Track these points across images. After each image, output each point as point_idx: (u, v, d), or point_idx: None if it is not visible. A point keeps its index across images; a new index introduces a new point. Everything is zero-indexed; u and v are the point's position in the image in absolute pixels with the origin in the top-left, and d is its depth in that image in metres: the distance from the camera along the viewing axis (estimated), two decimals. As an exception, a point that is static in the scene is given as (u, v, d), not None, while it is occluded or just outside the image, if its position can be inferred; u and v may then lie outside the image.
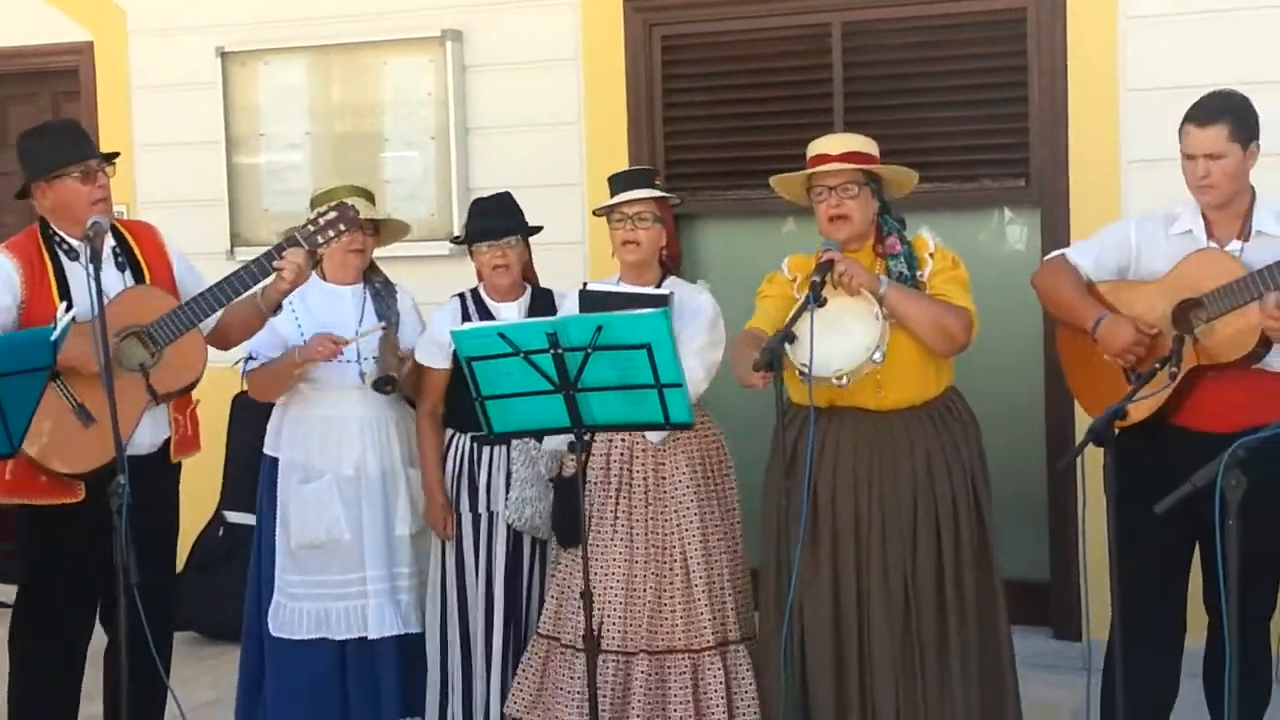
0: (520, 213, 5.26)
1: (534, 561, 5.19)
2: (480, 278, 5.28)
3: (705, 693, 4.80)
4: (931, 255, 4.63)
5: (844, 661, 4.56)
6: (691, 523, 4.84)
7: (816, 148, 4.65)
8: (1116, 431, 4.04)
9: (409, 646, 5.20)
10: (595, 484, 4.91)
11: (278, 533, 5.16)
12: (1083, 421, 4.87)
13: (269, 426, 5.25)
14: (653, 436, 4.84)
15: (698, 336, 4.87)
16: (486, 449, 5.15)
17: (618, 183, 5.01)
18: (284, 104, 7.30)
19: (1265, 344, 4.29)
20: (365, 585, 5.12)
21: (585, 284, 5.09)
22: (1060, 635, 6.14)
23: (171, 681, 4.53)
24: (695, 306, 4.94)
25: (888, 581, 4.52)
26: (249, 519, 5.37)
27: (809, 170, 4.63)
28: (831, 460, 4.55)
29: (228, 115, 7.33)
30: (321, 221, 4.76)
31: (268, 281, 4.75)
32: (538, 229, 5.32)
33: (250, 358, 5.14)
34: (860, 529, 4.55)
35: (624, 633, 4.82)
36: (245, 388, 5.28)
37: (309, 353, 4.97)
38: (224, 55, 7.30)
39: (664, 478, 4.87)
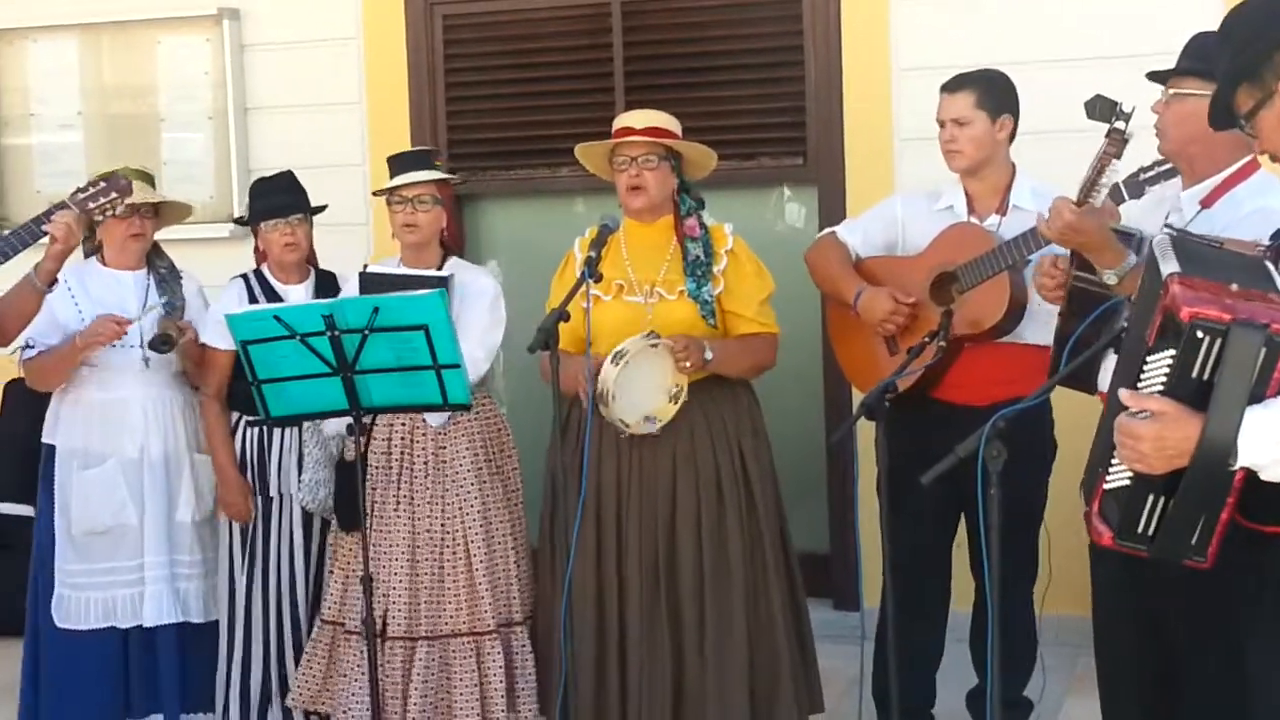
0: (304, 191, 5.20)
1: (324, 545, 5.13)
2: (262, 259, 5.20)
3: (487, 676, 4.80)
4: (729, 252, 4.69)
5: (604, 631, 4.60)
6: (472, 505, 4.83)
7: (622, 121, 4.73)
8: (887, 405, 4.17)
9: (193, 637, 5.10)
10: (377, 468, 4.87)
11: (57, 521, 5.01)
12: (859, 396, 4.98)
13: (48, 414, 5.10)
14: (433, 420, 4.82)
15: (478, 319, 4.87)
16: (277, 430, 5.07)
17: (396, 164, 4.96)
18: (54, 83, 7.11)
19: (1013, 315, 4.46)
20: (143, 572, 5.00)
21: (365, 266, 5.05)
22: (840, 606, 6.25)
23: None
24: (477, 289, 4.93)
25: (641, 551, 4.58)
26: (18, 509, 5.22)
27: (612, 141, 4.69)
28: (597, 432, 4.57)
29: (-6, 95, 7.14)
30: (91, 189, 4.66)
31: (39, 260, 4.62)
32: (323, 208, 5.28)
33: (28, 346, 4.97)
34: (620, 500, 4.61)
35: (409, 618, 4.80)
36: (22, 375, 5.11)
37: (92, 335, 4.83)
38: (-11, 33, 7.10)
39: (444, 461, 4.85)
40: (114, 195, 4.70)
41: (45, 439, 5.10)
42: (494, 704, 4.79)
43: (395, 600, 4.79)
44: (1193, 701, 3.31)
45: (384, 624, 4.76)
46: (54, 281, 4.69)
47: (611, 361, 4.39)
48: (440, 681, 4.79)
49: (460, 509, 4.82)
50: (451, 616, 4.80)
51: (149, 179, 5.19)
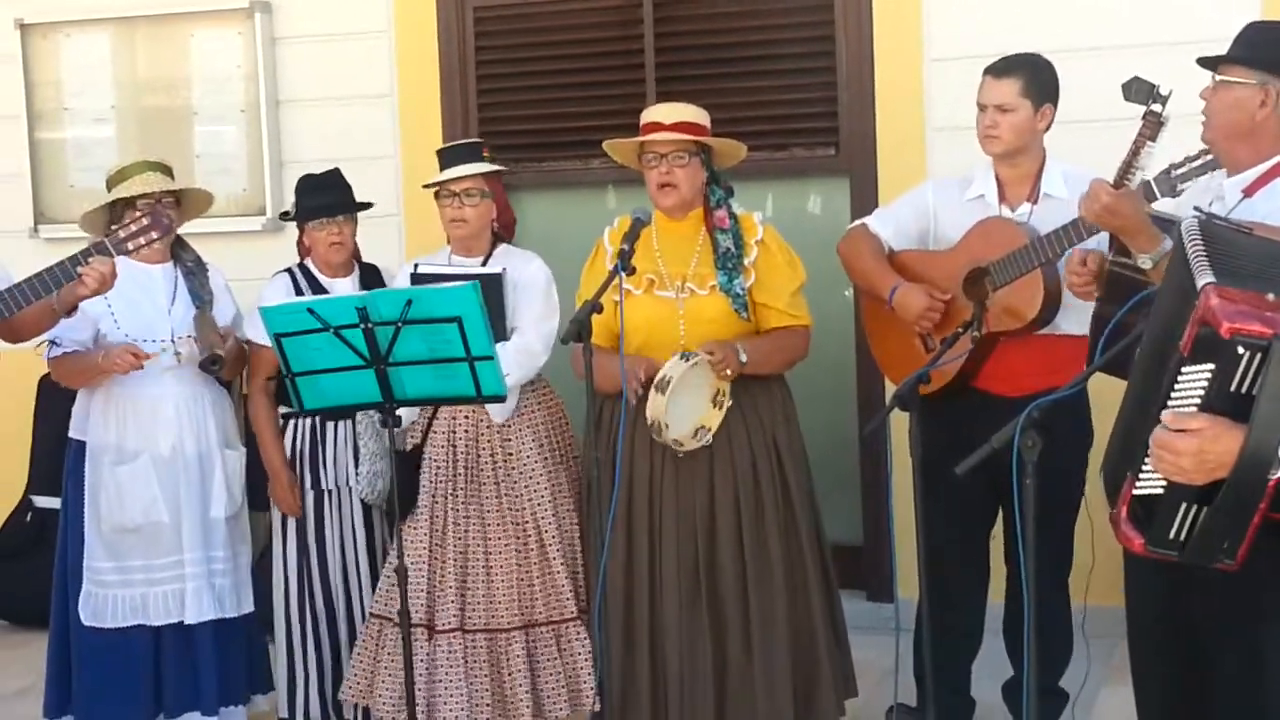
0: (350, 189, 5.22)
1: (385, 538, 5.15)
2: (305, 253, 5.22)
3: (570, 661, 4.83)
4: (759, 243, 4.67)
5: (642, 627, 4.60)
6: (543, 496, 4.85)
7: (649, 115, 4.69)
8: (920, 396, 4.15)
9: (226, 632, 5.10)
10: (440, 464, 4.88)
11: (87, 517, 5.01)
12: (892, 388, 4.96)
13: (74, 410, 5.10)
14: (495, 414, 4.83)
15: (532, 307, 4.89)
16: (330, 424, 5.10)
17: (445, 158, 4.97)
18: (88, 77, 7.13)
19: (1049, 309, 4.43)
20: (183, 569, 5.00)
21: (416, 264, 5.04)
22: (875, 598, 6.24)
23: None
24: (528, 277, 4.95)
25: (679, 546, 4.57)
26: (57, 503, 5.23)
27: (641, 139, 4.65)
28: (630, 427, 4.58)
29: (29, 89, 7.15)
30: (134, 228, 4.60)
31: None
32: (368, 204, 5.30)
33: (54, 343, 4.97)
34: (653, 495, 4.60)
35: (489, 612, 4.81)
36: (49, 370, 5.13)
37: (109, 365, 4.82)
38: (23, 27, 7.11)
39: (511, 454, 4.86)
40: (154, 236, 4.65)
41: (73, 435, 5.11)
42: (585, 688, 4.80)
43: (451, 595, 4.79)
44: (1221, 703, 3.29)
45: (460, 618, 4.79)
46: (73, 310, 4.68)
47: (657, 390, 4.37)
48: (524, 672, 4.80)
49: (531, 500, 4.85)
50: (527, 606, 4.82)
51: (168, 171, 5.15)
